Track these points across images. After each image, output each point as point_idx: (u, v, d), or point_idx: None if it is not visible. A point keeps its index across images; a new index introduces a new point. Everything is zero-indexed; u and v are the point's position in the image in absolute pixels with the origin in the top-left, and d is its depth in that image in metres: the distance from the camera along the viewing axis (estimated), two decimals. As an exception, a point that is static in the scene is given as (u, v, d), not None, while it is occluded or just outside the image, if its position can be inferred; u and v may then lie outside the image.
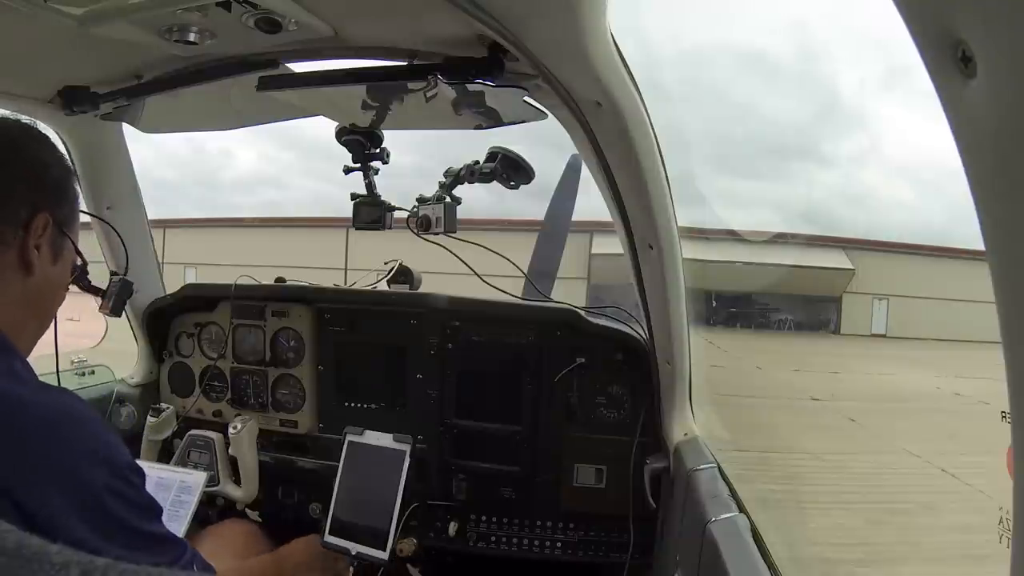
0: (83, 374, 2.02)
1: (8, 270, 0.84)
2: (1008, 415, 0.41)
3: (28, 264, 0.85)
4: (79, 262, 0.99)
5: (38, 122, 0.96)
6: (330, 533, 1.60)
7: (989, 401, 7.83)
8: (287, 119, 1.48)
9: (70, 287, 1.00)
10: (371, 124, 1.46)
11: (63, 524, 0.72)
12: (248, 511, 1.86)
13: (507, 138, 1.48)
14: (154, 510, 0.87)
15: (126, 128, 1.64)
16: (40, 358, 0.96)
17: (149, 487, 0.87)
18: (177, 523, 1.55)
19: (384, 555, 1.54)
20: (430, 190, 1.62)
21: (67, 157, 0.93)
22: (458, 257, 1.71)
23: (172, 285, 2.03)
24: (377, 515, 1.57)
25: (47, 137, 0.92)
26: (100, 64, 1.25)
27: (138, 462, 0.87)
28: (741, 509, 1.17)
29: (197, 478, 1.69)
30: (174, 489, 1.64)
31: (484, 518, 1.79)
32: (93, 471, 0.77)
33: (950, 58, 0.37)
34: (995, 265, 0.40)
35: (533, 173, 1.57)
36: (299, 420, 1.88)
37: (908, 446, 7.41)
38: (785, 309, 23.48)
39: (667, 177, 1.20)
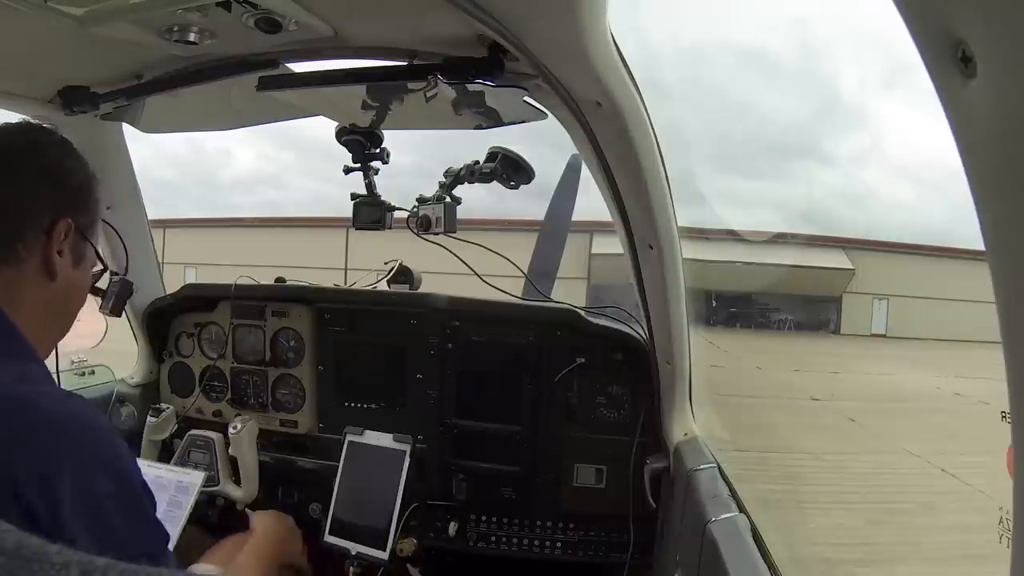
0: (83, 374, 2.02)
1: (31, 275, 0.83)
2: (1008, 415, 0.41)
3: (51, 270, 0.84)
4: (99, 267, 0.98)
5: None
6: (330, 533, 1.60)
7: (989, 401, 7.82)
8: (287, 119, 1.48)
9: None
10: (371, 124, 1.46)
11: (62, 524, 0.71)
12: (248, 511, 1.85)
13: (507, 138, 1.48)
14: (151, 522, 0.83)
15: (126, 128, 1.64)
16: (40, 358, 0.96)
17: None
18: (172, 524, 1.52)
19: (384, 555, 1.55)
20: (430, 190, 1.62)
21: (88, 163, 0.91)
22: (458, 257, 1.71)
23: (172, 285, 2.03)
24: (377, 515, 1.58)
25: (69, 142, 0.90)
26: (100, 64, 1.25)
27: (138, 461, 0.86)
28: (741, 509, 1.17)
29: (194, 478, 1.68)
30: (171, 489, 1.63)
31: (484, 518, 1.79)
32: (99, 477, 0.76)
33: (950, 58, 0.37)
34: (995, 265, 0.40)
35: (533, 173, 1.57)
36: (299, 420, 1.88)
37: (908, 446, 7.41)
38: (785, 309, 23.47)
39: (667, 177, 1.20)
